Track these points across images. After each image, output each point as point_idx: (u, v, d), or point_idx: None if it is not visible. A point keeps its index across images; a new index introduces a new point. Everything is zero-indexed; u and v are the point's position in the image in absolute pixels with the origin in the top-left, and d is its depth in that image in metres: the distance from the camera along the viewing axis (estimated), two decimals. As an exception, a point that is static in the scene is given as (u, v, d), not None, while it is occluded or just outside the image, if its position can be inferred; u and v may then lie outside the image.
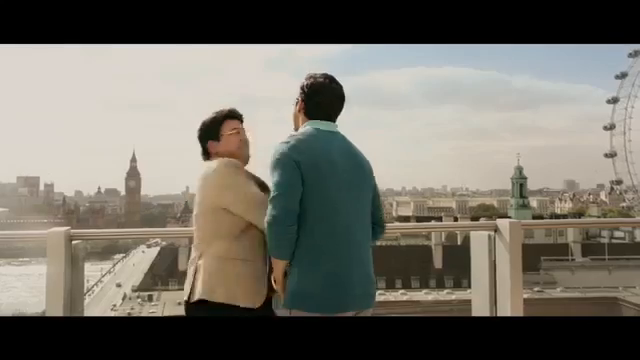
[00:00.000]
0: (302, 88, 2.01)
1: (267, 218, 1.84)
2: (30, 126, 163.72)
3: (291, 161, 1.85)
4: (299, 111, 2.02)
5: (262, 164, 2.12)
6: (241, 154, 2.20)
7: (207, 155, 2.21)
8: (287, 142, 1.89)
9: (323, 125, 1.98)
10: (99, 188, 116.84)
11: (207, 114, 2.25)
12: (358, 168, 1.97)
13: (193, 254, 2.10)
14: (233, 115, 2.24)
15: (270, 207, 1.84)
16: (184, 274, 2.18)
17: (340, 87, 2.05)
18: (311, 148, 1.89)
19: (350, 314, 1.88)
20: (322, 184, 1.87)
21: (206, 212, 2.09)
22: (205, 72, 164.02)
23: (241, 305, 2.01)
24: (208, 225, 2.09)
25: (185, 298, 2.05)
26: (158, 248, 50.50)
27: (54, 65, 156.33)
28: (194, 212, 2.15)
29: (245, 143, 2.22)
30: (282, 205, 1.82)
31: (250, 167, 2.19)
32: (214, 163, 2.10)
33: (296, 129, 2.03)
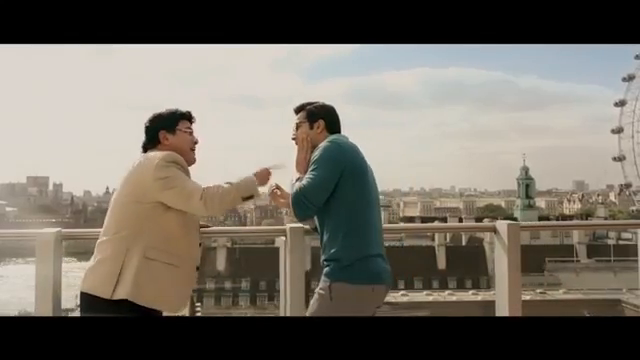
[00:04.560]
0: (316, 112, 2.36)
1: (299, 191, 2.16)
2: (40, 126, 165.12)
3: (339, 164, 2.16)
4: (320, 132, 2.34)
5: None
6: (189, 153, 2.27)
7: (153, 144, 2.21)
8: (338, 143, 2.23)
9: (345, 137, 2.35)
10: (107, 188, 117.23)
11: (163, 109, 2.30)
12: (373, 173, 2.32)
13: (116, 246, 2.06)
14: (190, 117, 2.32)
15: (305, 189, 2.14)
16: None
17: None
18: (355, 151, 2.26)
19: (384, 287, 2.17)
20: (364, 183, 2.22)
21: (139, 203, 2.08)
22: (212, 73, 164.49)
23: (165, 311, 2.04)
24: (141, 218, 2.08)
25: (96, 292, 2.02)
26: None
27: (63, 66, 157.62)
28: (118, 199, 2.13)
29: (195, 145, 2.29)
30: (315, 194, 2.14)
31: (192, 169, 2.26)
32: (157, 154, 2.12)
33: (313, 148, 2.29)
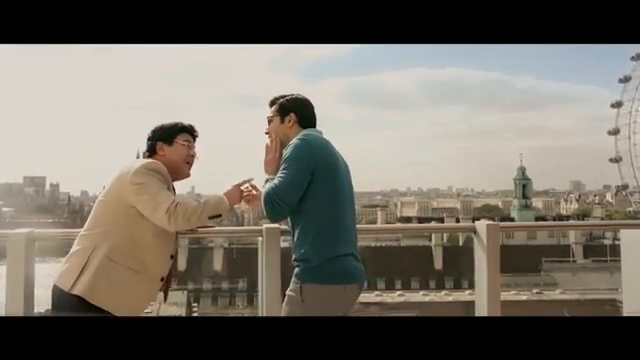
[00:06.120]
0: (287, 105, 2.28)
1: (271, 191, 2.12)
2: (37, 127, 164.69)
3: (310, 162, 2.11)
4: (291, 126, 2.26)
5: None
6: (183, 167, 2.26)
7: (150, 154, 2.23)
8: (309, 141, 2.17)
9: (318, 132, 2.24)
10: (104, 188, 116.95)
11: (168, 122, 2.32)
12: (348, 169, 2.30)
13: (86, 242, 2.08)
14: (191, 131, 2.30)
15: (278, 189, 2.10)
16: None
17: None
18: (326, 148, 2.20)
19: (356, 286, 2.16)
20: (336, 181, 2.18)
21: (117, 205, 2.10)
22: (209, 73, 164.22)
23: (117, 315, 2.02)
24: (114, 219, 2.09)
25: (60, 285, 2.03)
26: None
27: (60, 66, 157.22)
28: (101, 198, 2.17)
29: (192, 158, 2.28)
30: (287, 194, 2.10)
31: (186, 182, 2.33)
32: (142, 160, 2.16)
33: (283, 143, 2.23)
